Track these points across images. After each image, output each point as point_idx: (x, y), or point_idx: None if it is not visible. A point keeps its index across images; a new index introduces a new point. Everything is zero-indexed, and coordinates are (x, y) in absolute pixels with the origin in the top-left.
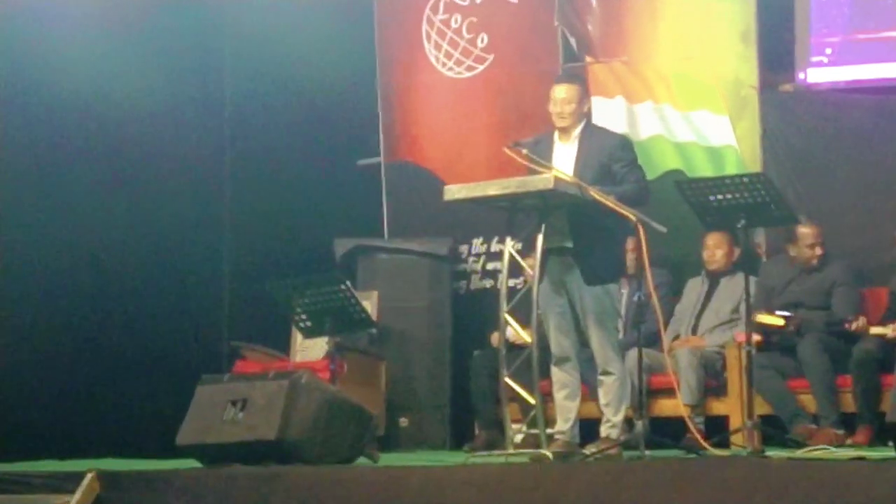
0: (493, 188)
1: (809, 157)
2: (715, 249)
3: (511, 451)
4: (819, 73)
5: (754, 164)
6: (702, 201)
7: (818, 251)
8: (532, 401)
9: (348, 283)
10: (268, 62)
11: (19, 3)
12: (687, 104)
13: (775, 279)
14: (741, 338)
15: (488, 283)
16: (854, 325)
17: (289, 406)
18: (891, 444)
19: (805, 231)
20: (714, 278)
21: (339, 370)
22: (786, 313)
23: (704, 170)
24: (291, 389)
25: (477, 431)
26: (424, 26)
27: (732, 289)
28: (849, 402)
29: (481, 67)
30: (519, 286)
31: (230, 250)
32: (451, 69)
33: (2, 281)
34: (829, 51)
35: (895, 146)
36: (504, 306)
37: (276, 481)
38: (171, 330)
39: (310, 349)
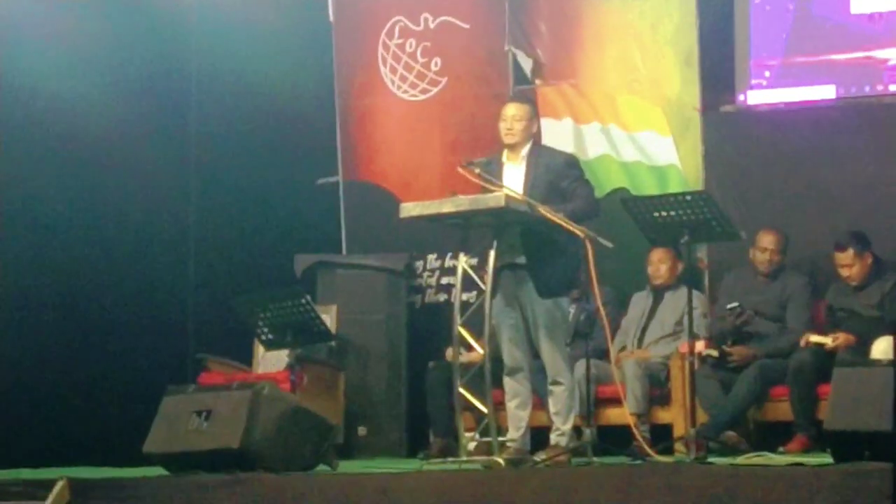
0: (446, 206)
1: (749, 176)
2: (659, 265)
3: (464, 458)
4: (758, 95)
5: (696, 183)
6: (647, 218)
7: (769, 257)
8: (485, 410)
9: (308, 297)
10: (232, 85)
11: None
12: (632, 125)
13: (735, 287)
14: (684, 349)
15: (442, 297)
16: (802, 342)
17: (251, 416)
18: (828, 451)
19: (762, 236)
20: (658, 292)
21: (299, 381)
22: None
23: (649, 188)
24: (254, 400)
25: (432, 440)
26: (380, 50)
27: (676, 302)
28: (786, 411)
29: (435, 90)
30: (472, 300)
31: (195, 266)
32: (405, 91)
33: None
34: (767, 73)
35: (830, 165)
36: (458, 319)
37: (239, 488)
38: (139, 343)
39: (271, 361)
